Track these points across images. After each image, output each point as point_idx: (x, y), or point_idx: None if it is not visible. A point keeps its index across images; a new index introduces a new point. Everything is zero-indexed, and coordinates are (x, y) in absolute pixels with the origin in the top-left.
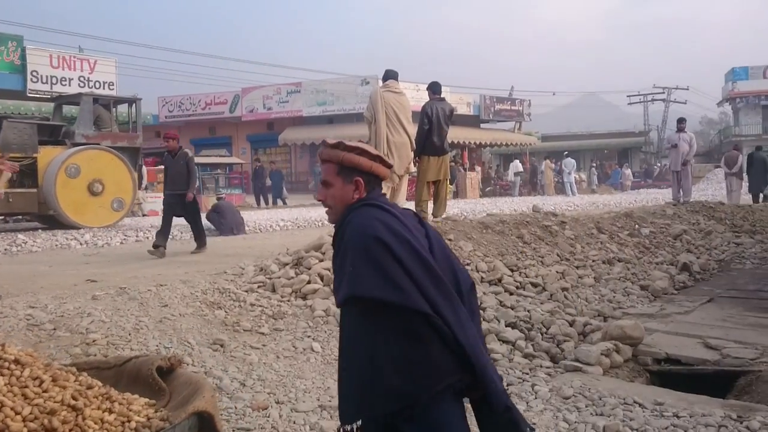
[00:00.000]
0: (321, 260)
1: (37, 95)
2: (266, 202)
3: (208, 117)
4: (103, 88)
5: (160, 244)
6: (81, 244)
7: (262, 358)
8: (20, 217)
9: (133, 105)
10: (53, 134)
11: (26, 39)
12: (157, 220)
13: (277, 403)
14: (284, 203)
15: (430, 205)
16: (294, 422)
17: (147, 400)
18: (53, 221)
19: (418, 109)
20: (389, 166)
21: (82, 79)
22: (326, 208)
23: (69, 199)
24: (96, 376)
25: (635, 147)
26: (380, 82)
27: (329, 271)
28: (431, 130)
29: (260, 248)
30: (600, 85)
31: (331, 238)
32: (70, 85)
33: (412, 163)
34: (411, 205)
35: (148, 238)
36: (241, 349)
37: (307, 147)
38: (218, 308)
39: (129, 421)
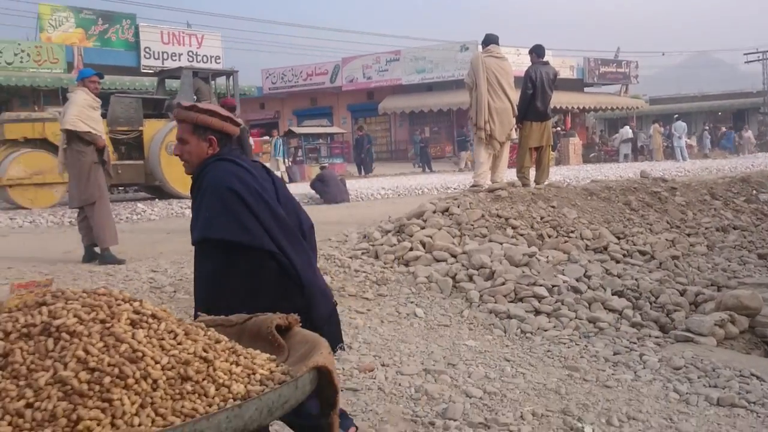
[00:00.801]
0: (422, 228)
1: (150, 71)
2: (366, 171)
3: (309, 88)
4: (210, 62)
5: None
6: None
7: (367, 322)
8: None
9: (231, 77)
10: (157, 107)
11: (139, 17)
12: None
13: (383, 365)
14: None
15: (532, 171)
16: (399, 384)
17: (268, 355)
18: (160, 191)
19: (519, 74)
20: (238, 125)
21: (190, 54)
22: (183, 162)
23: (173, 172)
24: (220, 332)
25: (752, 108)
26: (480, 48)
27: (431, 238)
28: (535, 94)
29: (362, 216)
30: (713, 43)
31: (190, 189)
32: (179, 60)
33: (513, 129)
34: (512, 173)
35: None
36: (347, 313)
37: (406, 115)
38: (324, 273)
39: (254, 374)
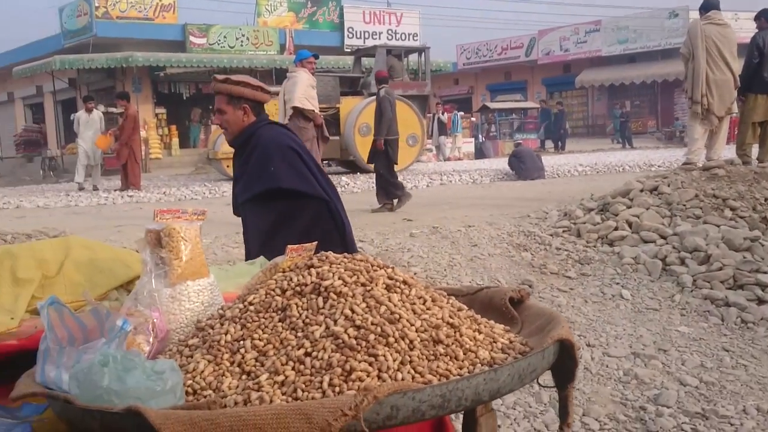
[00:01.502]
0: (629, 207)
1: (352, 50)
2: (562, 147)
3: (503, 62)
4: (408, 40)
5: (386, 201)
6: None
7: (570, 301)
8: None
9: (422, 53)
10: (352, 85)
11: None
12: (459, 165)
13: (588, 345)
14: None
15: (755, 148)
16: (607, 366)
17: (503, 326)
18: (353, 166)
19: (743, 41)
20: (269, 93)
21: (389, 32)
22: (223, 130)
23: (367, 148)
24: None
25: None
26: (691, 14)
27: (638, 218)
28: (762, 63)
29: (560, 193)
30: None
31: (233, 154)
32: (379, 39)
33: (734, 103)
34: (731, 150)
35: (451, 181)
36: (549, 291)
37: (605, 89)
38: (524, 250)
39: (495, 342)
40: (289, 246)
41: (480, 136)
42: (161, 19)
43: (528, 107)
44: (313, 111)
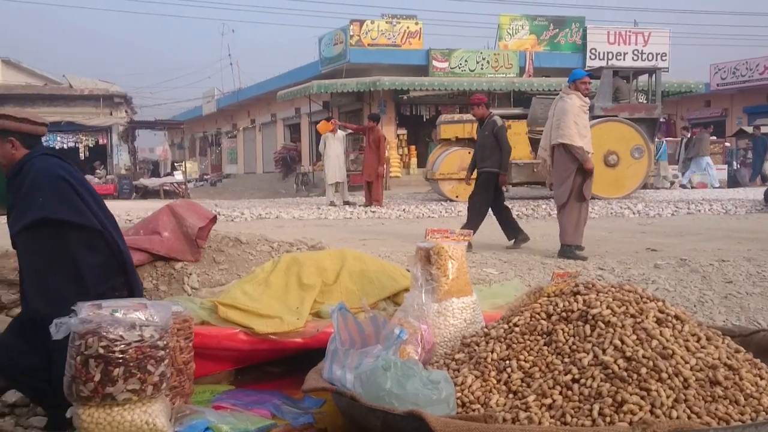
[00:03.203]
0: None
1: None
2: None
3: (766, 82)
4: (656, 60)
5: (513, 237)
6: (634, 213)
7: None
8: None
9: (653, 75)
10: None
11: (587, 19)
12: (709, 194)
13: None
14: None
15: None
16: None
17: None
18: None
19: None
20: (41, 125)
21: (635, 52)
22: None
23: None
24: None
25: None
26: None
27: None
28: None
29: None
30: None
31: (7, 185)
32: (624, 59)
33: None
34: None
35: (699, 210)
36: None
37: None
38: None
39: None
40: (554, 272)
41: (735, 162)
42: (407, 45)
43: None
44: (581, 150)
